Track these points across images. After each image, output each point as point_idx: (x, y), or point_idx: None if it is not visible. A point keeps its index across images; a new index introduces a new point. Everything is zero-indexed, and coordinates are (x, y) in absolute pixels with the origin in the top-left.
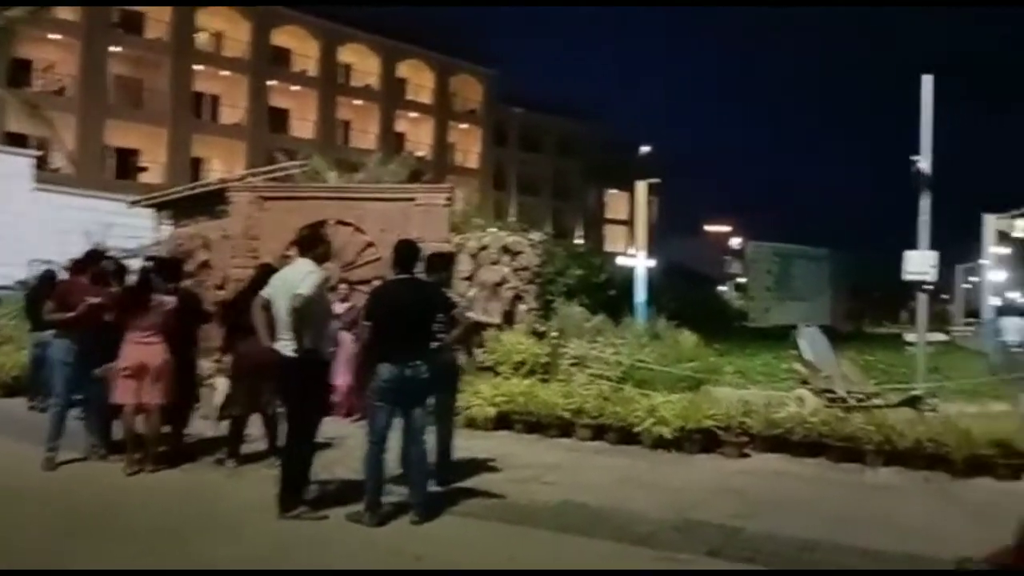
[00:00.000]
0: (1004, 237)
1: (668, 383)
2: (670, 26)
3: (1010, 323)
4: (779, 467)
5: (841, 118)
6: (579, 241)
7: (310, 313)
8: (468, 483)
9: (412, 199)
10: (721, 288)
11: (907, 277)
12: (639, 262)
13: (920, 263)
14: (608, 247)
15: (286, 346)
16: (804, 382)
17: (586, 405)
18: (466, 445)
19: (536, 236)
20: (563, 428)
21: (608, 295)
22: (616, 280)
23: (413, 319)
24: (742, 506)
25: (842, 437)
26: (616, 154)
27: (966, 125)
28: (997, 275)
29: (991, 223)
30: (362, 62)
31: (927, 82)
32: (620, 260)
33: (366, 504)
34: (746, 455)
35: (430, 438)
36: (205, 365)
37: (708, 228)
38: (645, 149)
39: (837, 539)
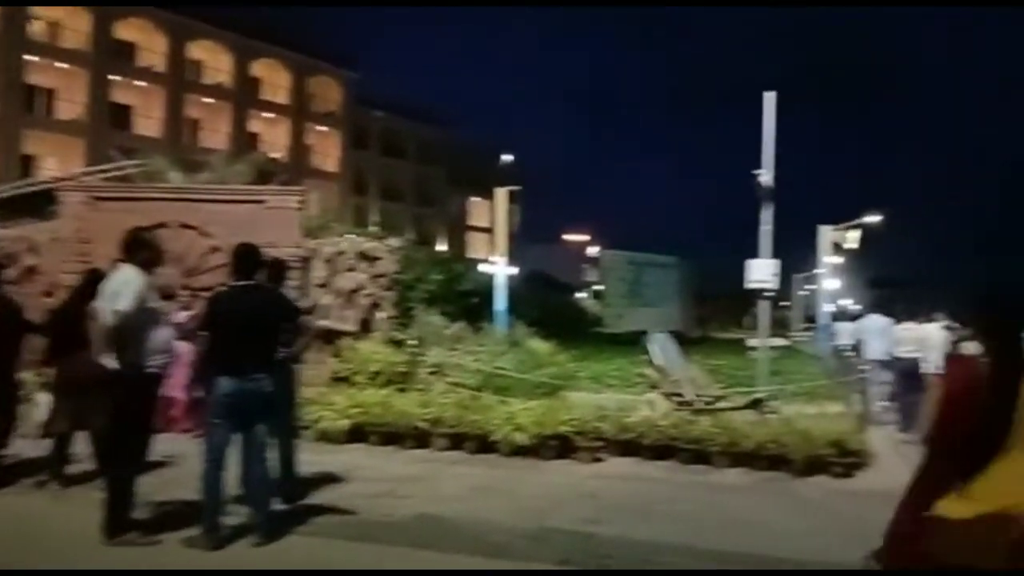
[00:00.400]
0: (838, 248)
1: (526, 390)
2: (541, 36)
3: (843, 328)
4: (631, 471)
5: (694, 130)
6: (442, 248)
7: (132, 326)
8: (316, 500)
9: (261, 201)
10: (579, 295)
11: (750, 285)
12: (499, 269)
13: (762, 271)
14: (471, 254)
15: (109, 359)
16: (655, 386)
17: (444, 414)
18: (317, 460)
19: (395, 242)
20: (420, 439)
21: (470, 302)
22: (478, 287)
23: (255, 328)
24: (595, 511)
25: (691, 440)
26: (479, 161)
27: (808, 140)
28: (832, 283)
29: (826, 234)
30: (213, 59)
31: (769, 99)
32: (482, 267)
33: (204, 527)
34: (599, 459)
35: (272, 454)
36: (28, 379)
37: (567, 237)
38: (507, 157)
39: (686, 541)
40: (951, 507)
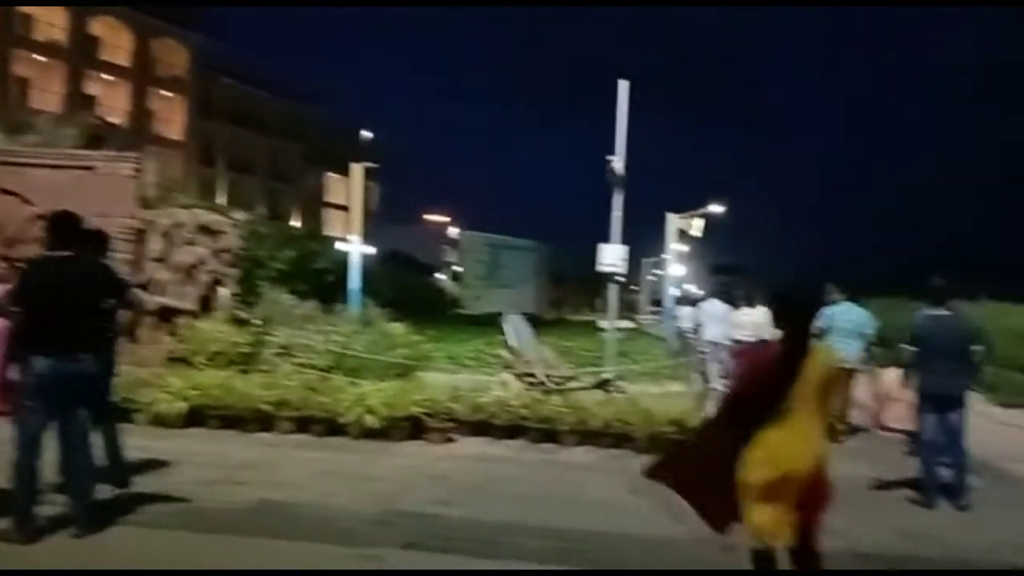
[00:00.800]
0: (683, 235)
1: (378, 371)
2: (412, 17)
3: (685, 312)
4: (482, 451)
5: (553, 115)
6: (296, 224)
7: None
8: (147, 488)
9: (91, 168)
10: (439, 276)
11: (601, 268)
12: (355, 248)
13: (613, 256)
14: (328, 232)
15: None
16: (509, 367)
17: (290, 396)
18: (149, 445)
19: (240, 216)
20: (264, 422)
21: (325, 281)
22: (334, 266)
23: (71, 303)
24: (444, 492)
25: (541, 419)
26: (340, 138)
27: (659, 130)
28: (678, 269)
29: (673, 222)
30: (47, 14)
31: (623, 87)
32: (339, 246)
33: (16, 519)
34: (451, 440)
35: (97, 439)
36: None
37: (428, 217)
38: (367, 135)
39: (533, 520)
40: (749, 470)
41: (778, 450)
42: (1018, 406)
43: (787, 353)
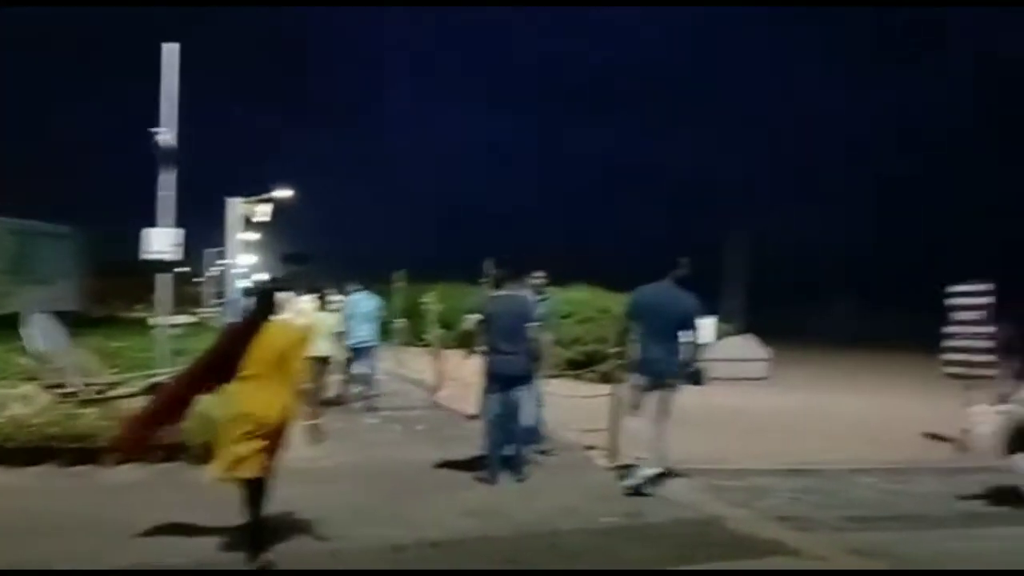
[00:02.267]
0: (251, 222)
1: None
2: None
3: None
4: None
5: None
6: None
7: None
8: None
9: None
10: None
11: (147, 256)
12: None
13: (162, 241)
14: None
15: None
16: (33, 377)
17: None
18: None
19: None
20: None
21: None
22: None
23: None
24: None
25: (74, 437)
26: None
27: (216, 112)
28: (247, 258)
29: (236, 207)
30: None
31: (170, 51)
32: None
33: None
34: None
35: None
36: None
37: None
38: None
39: (76, 555)
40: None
41: (250, 401)
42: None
43: (248, 325)
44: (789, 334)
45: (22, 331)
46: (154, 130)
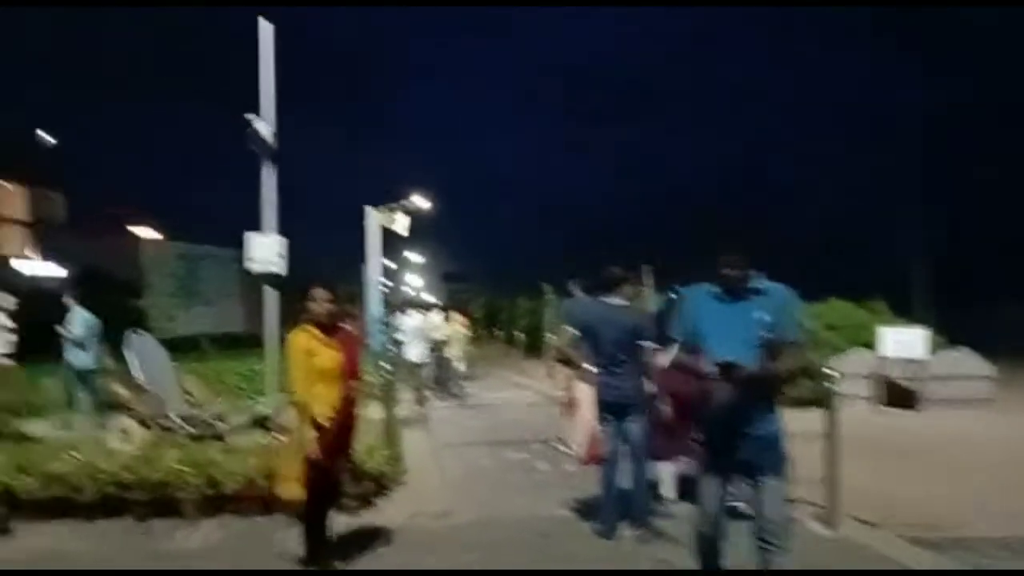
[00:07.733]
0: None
1: None
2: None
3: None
4: (52, 547)
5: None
6: None
7: None
8: None
9: None
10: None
11: (251, 266)
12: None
13: (265, 250)
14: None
15: None
16: (129, 408)
17: None
18: None
19: None
20: None
21: None
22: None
23: None
24: None
25: (151, 486)
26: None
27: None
28: (415, 279)
29: (374, 217)
30: None
31: (266, 28)
32: (17, 264)
33: None
34: (5, 531)
35: None
36: None
37: (135, 229)
38: (46, 138)
39: None
40: None
41: None
42: None
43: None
44: (1015, 346)
45: (125, 353)
46: (249, 116)
